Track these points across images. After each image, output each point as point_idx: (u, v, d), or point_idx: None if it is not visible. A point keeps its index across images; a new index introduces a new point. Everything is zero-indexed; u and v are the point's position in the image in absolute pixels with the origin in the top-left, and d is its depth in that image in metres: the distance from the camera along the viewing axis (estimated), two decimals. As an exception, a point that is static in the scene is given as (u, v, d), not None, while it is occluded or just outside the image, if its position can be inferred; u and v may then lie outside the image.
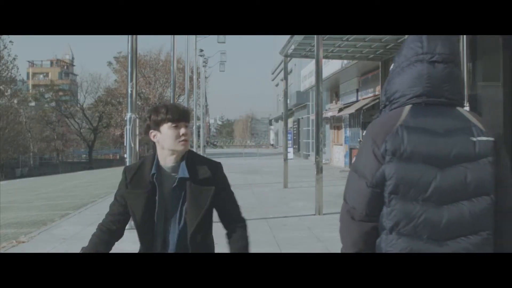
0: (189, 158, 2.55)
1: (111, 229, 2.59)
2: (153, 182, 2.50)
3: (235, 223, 2.58)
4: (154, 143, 2.56)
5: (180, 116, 2.52)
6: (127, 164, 2.66)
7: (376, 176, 1.76)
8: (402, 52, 1.90)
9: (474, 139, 1.76)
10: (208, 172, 2.53)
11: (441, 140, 1.75)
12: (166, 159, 2.53)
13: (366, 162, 1.79)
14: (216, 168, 2.58)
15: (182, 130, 2.51)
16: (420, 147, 1.73)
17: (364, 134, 1.87)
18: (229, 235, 2.57)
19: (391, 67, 1.94)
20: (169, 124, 2.49)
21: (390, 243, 1.76)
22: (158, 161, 2.54)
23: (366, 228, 1.82)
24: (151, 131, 2.54)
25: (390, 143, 1.74)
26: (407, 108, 1.81)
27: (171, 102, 2.49)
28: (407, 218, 1.73)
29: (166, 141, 2.50)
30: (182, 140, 2.51)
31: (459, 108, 1.85)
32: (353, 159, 1.89)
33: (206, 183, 2.51)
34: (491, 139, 1.79)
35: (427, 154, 1.73)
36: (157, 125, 2.51)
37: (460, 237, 1.73)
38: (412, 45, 1.87)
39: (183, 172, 2.50)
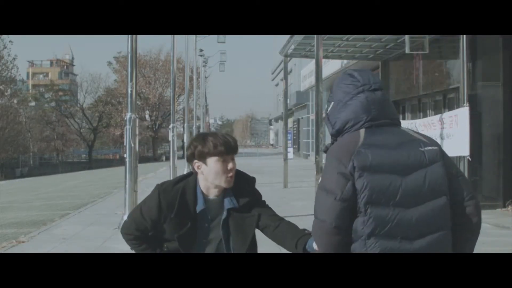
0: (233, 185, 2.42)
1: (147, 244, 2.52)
2: (199, 216, 2.40)
3: (279, 220, 2.49)
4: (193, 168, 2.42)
5: (229, 149, 2.37)
6: (161, 183, 2.48)
7: (346, 191, 1.94)
8: (340, 90, 2.12)
9: (422, 149, 2.02)
10: (248, 195, 2.44)
11: (398, 152, 1.99)
12: (209, 191, 2.42)
13: (334, 180, 1.97)
14: (251, 185, 2.49)
15: (230, 165, 2.38)
16: (383, 160, 1.96)
17: (326, 157, 2.06)
18: (279, 231, 2.45)
19: (330, 107, 2.14)
20: (217, 158, 2.36)
21: (369, 248, 1.93)
22: (202, 192, 2.42)
23: (334, 240, 1.97)
24: (195, 161, 2.39)
25: (356, 160, 1.95)
26: (362, 131, 2.04)
27: (213, 131, 2.28)
28: (383, 222, 1.92)
29: (211, 175, 2.37)
30: (229, 176, 2.38)
31: (401, 127, 2.12)
32: (320, 180, 2.08)
33: (248, 209, 2.43)
34: (435, 147, 2.05)
35: (390, 165, 1.96)
36: (203, 157, 2.37)
37: (428, 235, 1.95)
38: (347, 81, 2.12)
39: (232, 203, 2.40)
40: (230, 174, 2.38)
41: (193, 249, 2.43)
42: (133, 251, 2.56)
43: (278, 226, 2.46)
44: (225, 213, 2.41)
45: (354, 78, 2.11)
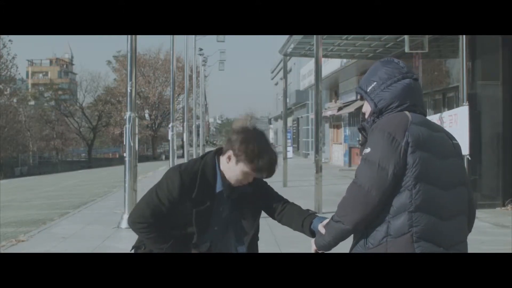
0: None
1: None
2: (218, 197, 2.43)
3: (285, 202, 2.61)
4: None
5: (266, 177, 2.42)
6: (177, 166, 2.47)
7: (398, 167, 2.00)
8: (383, 72, 2.19)
9: (451, 141, 2.18)
10: (255, 180, 2.48)
11: (438, 137, 2.12)
12: (229, 179, 2.44)
13: (387, 154, 2.01)
14: None
15: (252, 179, 2.42)
16: (430, 140, 2.06)
17: (375, 131, 2.08)
18: (286, 213, 2.57)
19: (371, 85, 2.19)
20: (250, 172, 2.37)
21: (415, 220, 1.99)
22: (221, 174, 2.43)
23: (374, 211, 2.01)
24: (230, 151, 2.37)
25: (411, 136, 2.02)
26: (407, 112, 2.12)
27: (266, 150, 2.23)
28: (429, 198, 2.00)
29: (233, 174, 2.40)
30: (247, 183, 2.44)
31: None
32: (367, 151, 2.07)
33: (257, 192, 2.52)
34: (458, 142, 2.22)
35: (434, 146, 2.06)
36: (240, 158, 2.35)
37: (456, 216, 2.07)
38: (391, 65, 2.20)
39: (244, 188, 2.46)
40: (249, 181, 2.44)
41: (207, 231, 2.44)
42: (132, 251, 2.56)
43: (284, 208, 2.58)
44: (237, 195, 2.48)
45: (398, 64, 2.21)
